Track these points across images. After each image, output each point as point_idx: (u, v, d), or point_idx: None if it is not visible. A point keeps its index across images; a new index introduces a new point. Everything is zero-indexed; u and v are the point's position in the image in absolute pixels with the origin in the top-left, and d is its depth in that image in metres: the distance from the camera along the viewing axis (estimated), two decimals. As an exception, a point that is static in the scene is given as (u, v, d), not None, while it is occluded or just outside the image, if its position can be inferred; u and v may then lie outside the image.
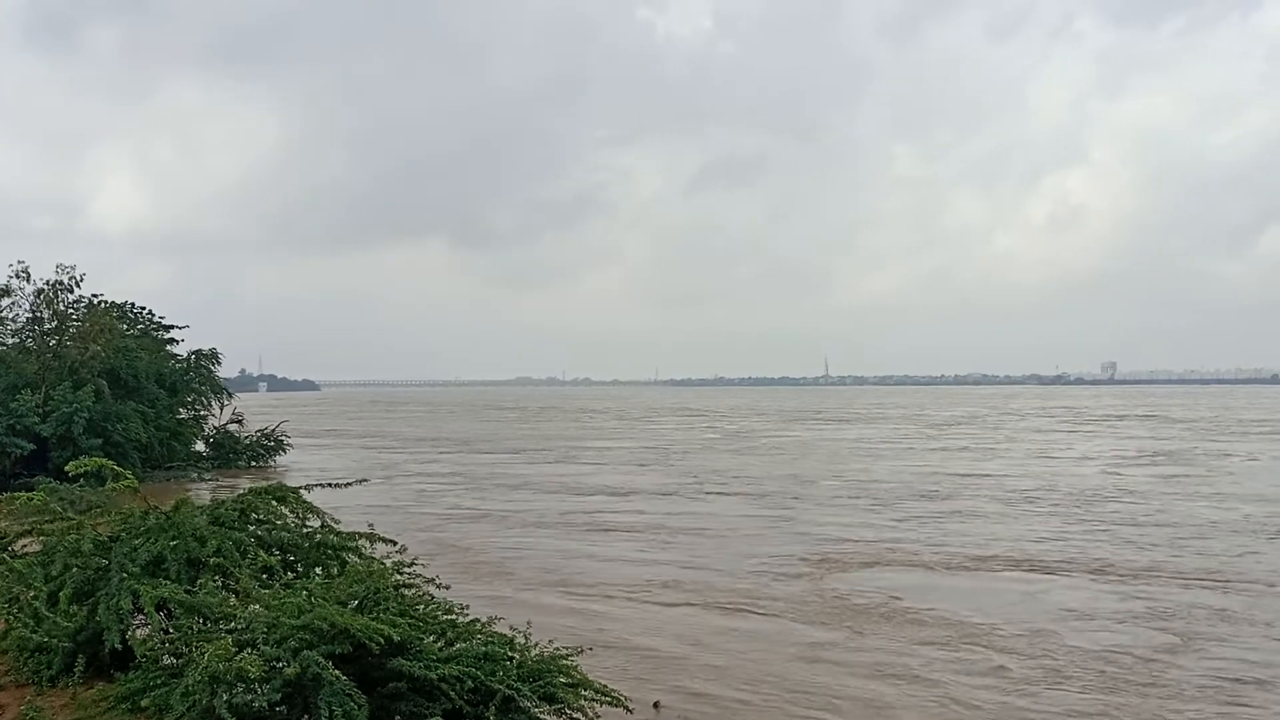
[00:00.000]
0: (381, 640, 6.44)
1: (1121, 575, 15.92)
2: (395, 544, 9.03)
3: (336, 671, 6.16)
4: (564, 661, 7.09)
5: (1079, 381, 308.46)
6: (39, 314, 32.95)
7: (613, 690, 7.04)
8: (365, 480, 11.93)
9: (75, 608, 7.63)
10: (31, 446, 29.37)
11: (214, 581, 7.68)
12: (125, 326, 36.27)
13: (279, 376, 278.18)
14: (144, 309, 38.60)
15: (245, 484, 29.09)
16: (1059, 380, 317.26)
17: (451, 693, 6.42)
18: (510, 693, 6.53)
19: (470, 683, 6.50)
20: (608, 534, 20.44)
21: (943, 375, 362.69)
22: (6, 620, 7.91)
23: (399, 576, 8.00)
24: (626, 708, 7.03)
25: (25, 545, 8.94)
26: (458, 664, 6.58)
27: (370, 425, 71.89)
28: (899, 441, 49.63)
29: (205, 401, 37.87)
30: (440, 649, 6.85)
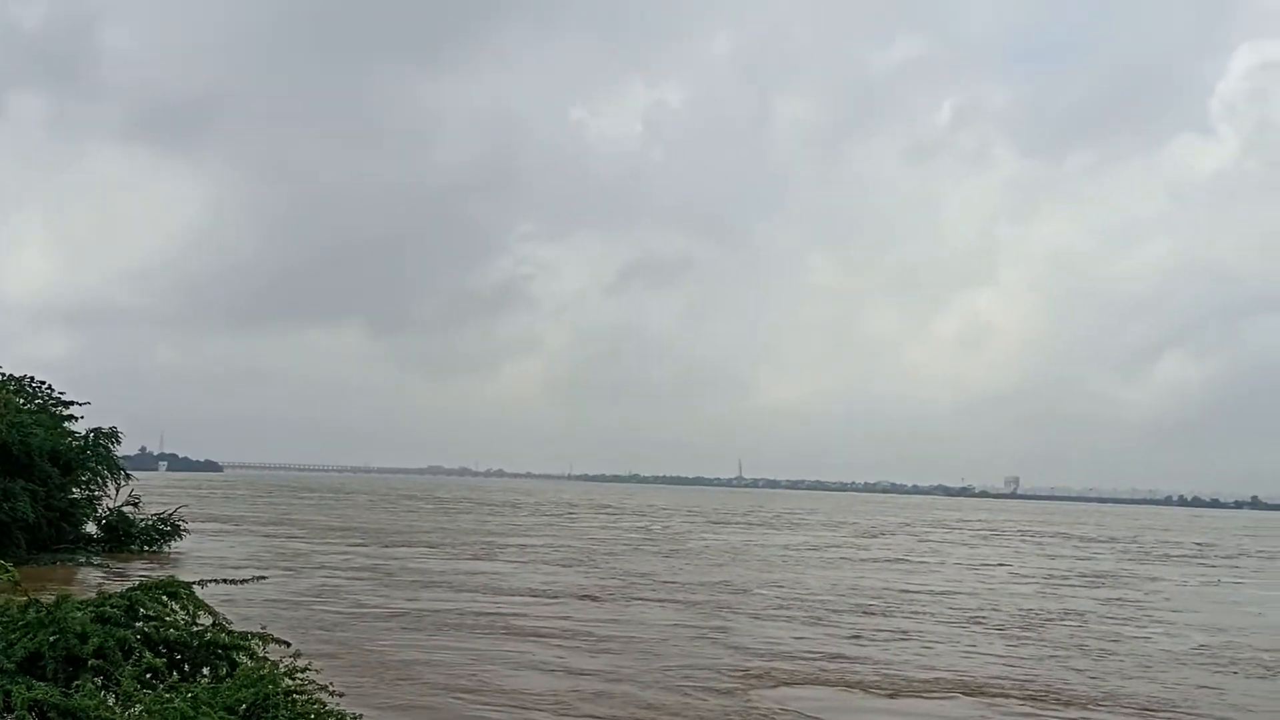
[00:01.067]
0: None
1: (1069, 702, 15.30)
2: (289, 645, 8.59)
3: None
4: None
5: (984, 494, 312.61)
6: (-70, 385, 30.87)
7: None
8: (263, 578, 11.12)
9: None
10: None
11: (93, 683, 7.17)
12: (22, 401, 34.19)
13: (180, 456, 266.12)
14: (43, 383, 36.48)
15: (137, 569, 27.34)
16: (965, 492, 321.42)
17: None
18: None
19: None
20: (527, 640, 19.18)
21: (853, 482, 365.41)
22: None
23: (290, 681, 7.55)
24: None
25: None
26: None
27: (275, 511, 68.83)
28: (828, 549, 49.04)
29: (101, 481, 35.69)
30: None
